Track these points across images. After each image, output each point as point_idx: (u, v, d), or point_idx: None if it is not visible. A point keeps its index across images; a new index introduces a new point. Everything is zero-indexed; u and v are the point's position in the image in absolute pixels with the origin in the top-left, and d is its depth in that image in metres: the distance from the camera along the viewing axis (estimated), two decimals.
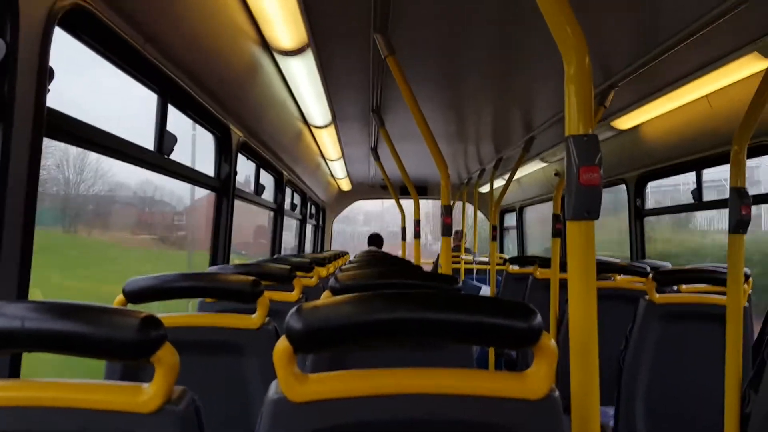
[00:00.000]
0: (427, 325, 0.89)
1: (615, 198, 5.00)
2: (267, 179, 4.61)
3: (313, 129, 4.25)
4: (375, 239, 7.57)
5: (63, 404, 0.89)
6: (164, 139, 2.25)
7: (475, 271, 6.88)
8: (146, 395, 0.90)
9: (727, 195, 1.88)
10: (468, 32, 2.44)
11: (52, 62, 1.37)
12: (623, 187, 4.51)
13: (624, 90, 3.08)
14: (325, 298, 1.46)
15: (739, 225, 1.85)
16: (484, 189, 7.96)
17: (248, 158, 3.87)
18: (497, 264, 5.32)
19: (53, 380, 0.92)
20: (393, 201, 5.99)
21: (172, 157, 2.32)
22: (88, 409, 0.89)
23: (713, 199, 3.80)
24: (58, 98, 1.41)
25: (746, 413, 1.85)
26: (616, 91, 3.02)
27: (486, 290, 5.63)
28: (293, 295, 2.43)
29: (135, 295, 1.62)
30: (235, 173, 3.15)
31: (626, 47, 2.57)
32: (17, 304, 0.90)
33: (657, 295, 2.48)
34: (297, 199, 6.28)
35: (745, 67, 2.60)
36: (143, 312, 0.91)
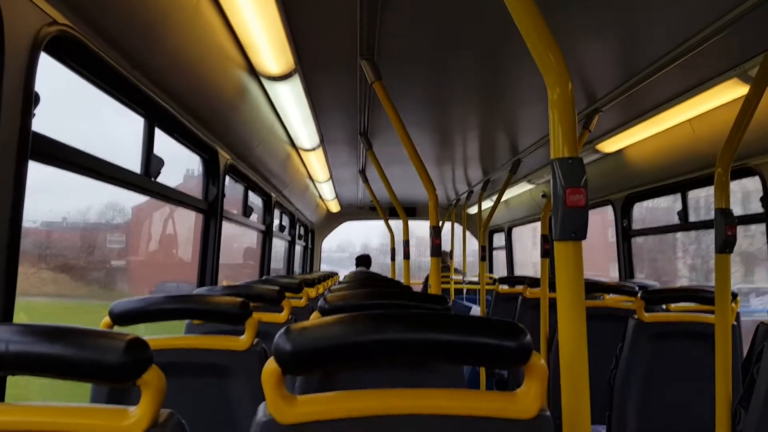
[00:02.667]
0: (416, 345, 0.89)
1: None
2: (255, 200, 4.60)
3: (301, 152, 4.26)
4: (363, 260, 7.57)
5: (48, 428, 0.88)
6: (151, 162, 2.25)
7: (465, 291, 6.87)
8: (132, 418, 0.89)
9: None
10: (453, 58, 2.48)
11: (38, 87, 1.38)
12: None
13: (608, 114, 3.13)
14: (314, 319, 1.46)
15: (725, 245, 1.88)
16: (473, 210, 8.00)
17: (236, 180, 3.87)
18: (487, 284, 5.32)
19: (38, 404, 0.91)
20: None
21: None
22: None
23: (699, 220, 3.85)
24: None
25: (737, 431, 1.85)
26: (601, 115, 3.07)
27: (476, 310, 5.63)
28: (282, 317, 2.41)
29: (121, 318, 1.60)
30: (223, 195, 3.15)
31: (610, 73, 2.62)
32: (1, 326, 0.89)
33: (646, 314, 2.50)
34: (286, 221, 6.27)
35: (726, 93, 2.65)
36: (129, 334, 0.90)
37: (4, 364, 0.86)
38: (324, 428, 0.90)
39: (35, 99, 1.38)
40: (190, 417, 0.99)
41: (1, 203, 1.28)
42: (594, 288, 3.23)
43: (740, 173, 2.90)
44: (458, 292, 6.89)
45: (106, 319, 1.59)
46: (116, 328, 1.59)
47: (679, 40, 2.16)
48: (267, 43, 2.21)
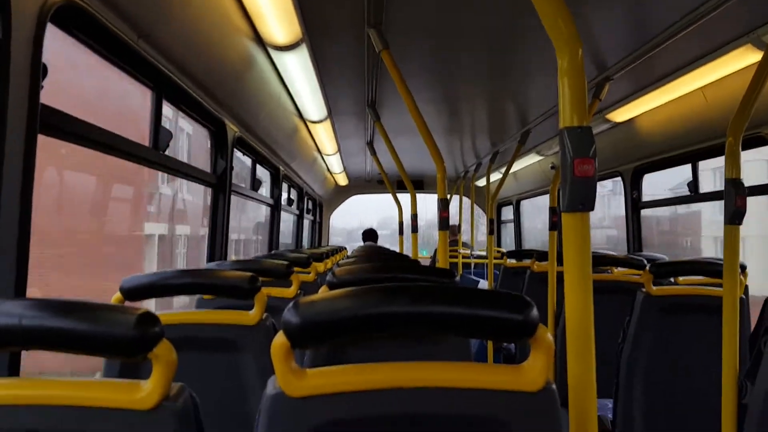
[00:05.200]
0: (423, 318, 0.89)
1: None
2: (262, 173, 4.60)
3: (309, 124, 4.24)
4: (370, 234, 7.58)
5: (62, 402, 0.89)
6: (159, 134, 2.25)
7: (473, 265, 6.89)
8: (144, 392, 0.90)
9: None
10: (462, 26, 2.44)
11: (45, 58, 1.37)
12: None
13: (619, 82, 3.08)
14: (323, 293, 1.46)
15: (734, 216, 1.86)
16: (481, 182, 7.96)
17: (244, 153, 3.87)
18: (495, 258, 5.32)
19: (52, 378, 0.92)
20: None
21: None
22: (87, 407, 0.89)
23: (709, 191, 3.81)
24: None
25: (743, 404, 1.86)
26: (612, 83, 3.02)
27: (484, 284, 5.65)
28: (291, 291, 2.42)
29: (132, 293, 1.61)
30: (231, 168, 3.15)
31: (621, 40, 2.57)
32: (15, 301, 0.90)
33: (654, 288, 2.49)
34: (294, 195, 6.28)
35: (739, 60, 2.60)
36: (140, 309, 0.91)
37: (18, 338, 0.87)
38: (332, 401, 0.91)
39: (43, 71, 1.37)
40: (200, 391, 1.00)
41: (12, 177, 1.28)
42: (602, 261, 3.21)
43: (752, 142, 2.86)
44: (466, 266, 6.91)
45: (117, 294, 1.61)
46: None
47: (691, 5, 2.11)
48: (274, 12, 2.18)
